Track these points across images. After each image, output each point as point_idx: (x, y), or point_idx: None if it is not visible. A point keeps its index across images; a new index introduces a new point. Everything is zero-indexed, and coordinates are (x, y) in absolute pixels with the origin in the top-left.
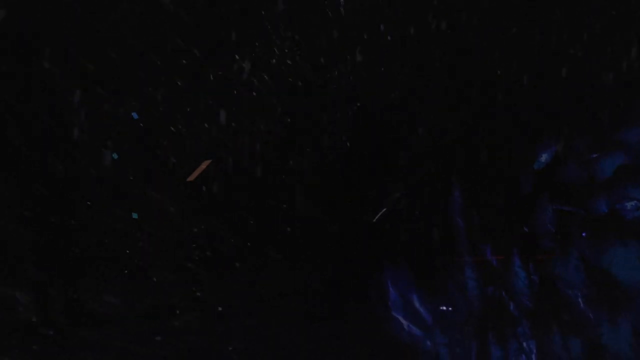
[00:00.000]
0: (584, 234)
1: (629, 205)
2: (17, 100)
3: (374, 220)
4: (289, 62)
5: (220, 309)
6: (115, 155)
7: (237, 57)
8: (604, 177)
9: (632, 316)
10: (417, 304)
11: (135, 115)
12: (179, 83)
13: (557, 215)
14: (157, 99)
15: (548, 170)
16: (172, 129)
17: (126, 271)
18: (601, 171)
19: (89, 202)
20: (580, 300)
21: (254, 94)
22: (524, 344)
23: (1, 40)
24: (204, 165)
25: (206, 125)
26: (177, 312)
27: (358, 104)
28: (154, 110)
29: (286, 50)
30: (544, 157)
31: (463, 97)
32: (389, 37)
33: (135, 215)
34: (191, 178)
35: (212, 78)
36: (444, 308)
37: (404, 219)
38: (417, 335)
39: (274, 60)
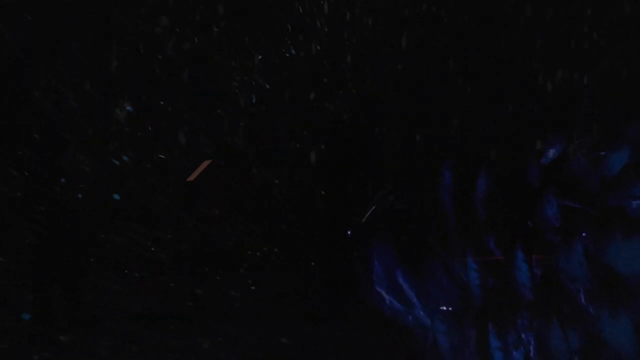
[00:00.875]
0: (584, 234)
1: (635, 203)
2: (17, 101)
3: (363, 220)
4: (283, 63)
5: (219, 309)
6: (116, 196)
7: (232, 60)
8: (611, 174)
9: (633, 312)
10: (400, 280)
11: (130, 108)
12: (178, 84)
13: (563, 211)
14: (156, 100)
15: (555, 165)
16: (173, 130)
17: (126, 271)
18: (609, 168)
19: (89, 203)
20: (582, 294)
21: (250, 96)
22: (523, 336)
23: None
24: (204, 166)
25: (206, 126)
26: (177, 312)
27: (351, 103)
28: (154, 112)
29: (280, 52)
30: (551, 152)
31: (466, 92)
32: (381, 33)
33: (116, 197)
34: (191, 178)
35: (208, 80)
36: (444, 308)
37: (397, 219)
38: (399, 309)
39: (268, 63)
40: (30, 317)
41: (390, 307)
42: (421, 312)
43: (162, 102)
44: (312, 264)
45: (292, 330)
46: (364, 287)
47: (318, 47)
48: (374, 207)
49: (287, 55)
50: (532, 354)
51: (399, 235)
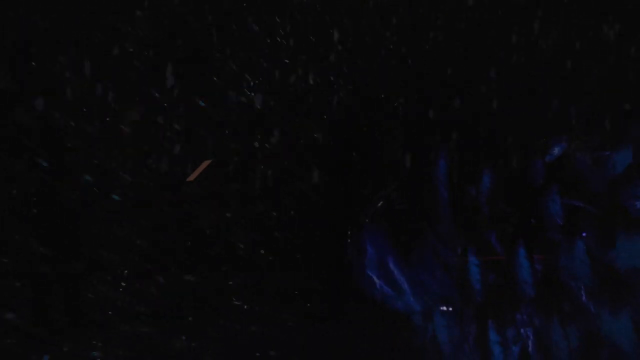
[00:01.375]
0: (584, 234)
1: (639, 203)
2: (18, 101)
3: (366, 220)
4: (281, 61)
5: (219, 309)
6: (116, 197)
7: (230, 59)
8: (615, 173)
9: (633, 311)
10: (392, 266)
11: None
12: (178, 85)
13: (566, 209)
14: (157, 100)
15: (559, 163)
16: (173, 130)
17: (126, 271)
18: (613, 168)
19: (89, 204)
20: (582, 292)
21: (249, 94)
22: (522, 331)
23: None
24: (203, 166)
25: (204, 126)
26: (177, 312)
27: (351, 102)
28: (154, 112)
29: (278, 50)
30: (556, 150)
31: (469, 91)
32: (378, 30)
33: (116, 197)
34: (191, 178)
35: (206, 79)
36: (444, 308)
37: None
38: (389, 294)
39: (266, 62)
40: (30, 317)
41: (380, 292)
42: (411, 298)
43: (162, 102)
44: (312, 264)
45: (292, 330)
46: (355, 271)
47: (319, 46)
48: (377, 206)
49: (287, 54)
50: (530, 349)
51: (395, 229)
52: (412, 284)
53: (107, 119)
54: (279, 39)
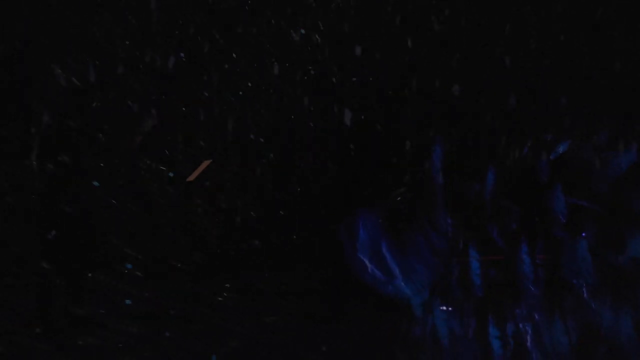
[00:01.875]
0: (584, 234)
1: None
2: (18, 100)
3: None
4: (288, 60)
5: (219, 309)
6: (96, 183)
7: (234, 56)
8: (620, 173)
9: (634, 309)
10: (384, 250)
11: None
12: (180, 84)
13: (569, 207)
14: (158, 100)
15: (564, 161)
16: (173, 130)
17: (126, 271)
18: (618, 167)
19: (90, 204)
20: (584, 289)
21: (253, 91)
22: (521, 326)
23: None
24: (204, 166)
25: (206, 125)
26: (177, 313)
27: (355, 103)
28: (154, 112)
29: (286, 48)
30: (561, 148)
31: (472, 89)
32: (384, 32)
33: (96, 184)
34: (191, 178)
35: (211, 77)
36: (444, 308)
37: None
38: (380, 279)
39: (272, 61)
40: (30, 317)
41: (371, 276)
42: (402, 283)
43: (164, 99)
44: (312, 263)
45: (292, 330)
46: (347, 255)
47: (326, 47)
48: (391, 205)
49: (290, 54)
50: (529, 344)
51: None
52: (403, 269)
53: (107, 118)
54: (279, 37)
